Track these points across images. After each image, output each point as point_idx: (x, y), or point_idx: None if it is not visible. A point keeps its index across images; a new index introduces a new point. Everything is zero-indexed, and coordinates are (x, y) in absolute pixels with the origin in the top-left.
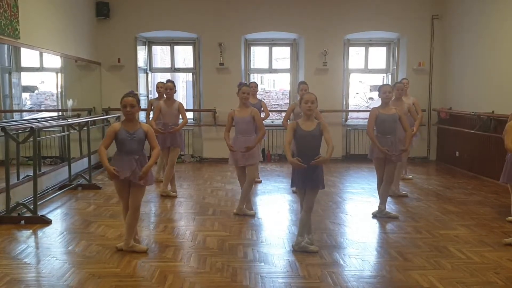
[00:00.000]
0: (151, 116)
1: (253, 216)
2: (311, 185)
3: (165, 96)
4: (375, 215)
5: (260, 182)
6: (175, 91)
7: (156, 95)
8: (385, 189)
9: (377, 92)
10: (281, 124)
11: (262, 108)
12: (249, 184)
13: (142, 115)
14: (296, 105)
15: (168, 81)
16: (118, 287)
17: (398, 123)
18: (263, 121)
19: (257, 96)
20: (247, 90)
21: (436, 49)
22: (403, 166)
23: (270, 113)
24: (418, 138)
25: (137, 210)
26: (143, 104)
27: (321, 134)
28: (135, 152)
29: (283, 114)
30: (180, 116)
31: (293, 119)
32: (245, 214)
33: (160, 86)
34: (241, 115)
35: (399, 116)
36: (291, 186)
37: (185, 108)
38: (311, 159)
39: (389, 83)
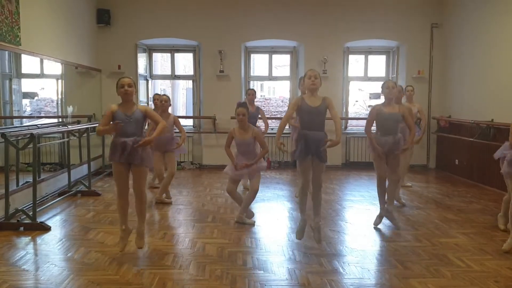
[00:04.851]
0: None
1: (253, 224)
2: (319, 157)
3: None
4: (378, 222)
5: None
6: (170, 104)
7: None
8: (391, 188)
9: (376, 99)
10: None
11: (260, 116)
12: (253, 193)
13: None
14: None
15: (163, 94)
16: None
17: (401, 122)
18: (265, 132)
19: (256, 103)
20: (242, 112)
21: (435, 57)
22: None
23: (270, 121)
24: (418, 146)
25: (143, 193)
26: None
27: (326, 110)
28: (132, 135)
29: None
30: (177, 129)
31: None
32: (244, 222)
33: (156, 98)
34: (242, 137)
35: (403, 114)
36: (293, 157)
37: (185, 115)
38: (316, 135)
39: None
